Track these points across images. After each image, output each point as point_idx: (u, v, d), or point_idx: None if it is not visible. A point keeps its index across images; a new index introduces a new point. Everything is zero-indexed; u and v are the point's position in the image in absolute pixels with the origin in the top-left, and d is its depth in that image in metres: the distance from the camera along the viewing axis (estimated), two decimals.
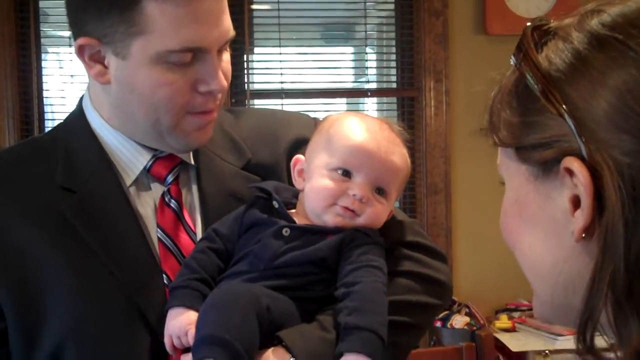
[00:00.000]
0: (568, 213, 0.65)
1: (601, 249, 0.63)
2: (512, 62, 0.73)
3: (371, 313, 1.05)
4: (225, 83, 1.14)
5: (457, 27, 3.42)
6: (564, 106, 0.64)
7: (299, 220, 1.16)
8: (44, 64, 3.26)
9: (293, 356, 1.04)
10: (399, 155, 1.19)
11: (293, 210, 1.19)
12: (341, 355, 1.03)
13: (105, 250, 1.13)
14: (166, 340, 1.09)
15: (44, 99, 3.27)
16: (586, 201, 0.63)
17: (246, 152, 1.28)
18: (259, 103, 3.46)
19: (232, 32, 1.13)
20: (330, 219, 1.14)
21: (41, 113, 3.24)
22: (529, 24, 0.72)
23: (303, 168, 1.21)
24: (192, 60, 1.09)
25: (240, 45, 3.35)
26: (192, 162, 1.24)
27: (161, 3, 1.05)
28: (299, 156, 1.23)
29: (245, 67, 3.37)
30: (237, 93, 3.37)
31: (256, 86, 3.46)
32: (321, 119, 1.37)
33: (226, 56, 1.15)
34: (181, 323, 1.07)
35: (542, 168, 0.68)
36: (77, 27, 1.11)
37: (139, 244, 1.16)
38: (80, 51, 1.12)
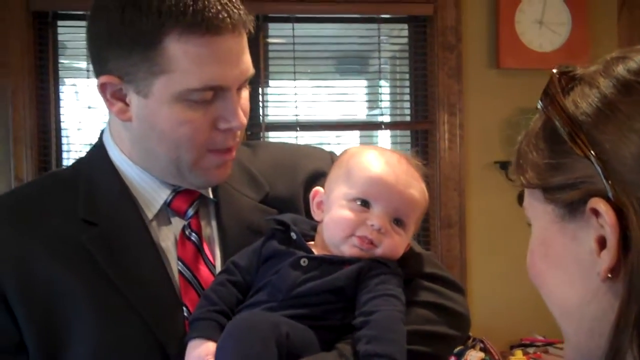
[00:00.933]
0: (594, 253, 0.66)
1: (627, 289, 0.63)
2: (539, 107, 0.75)
3: (390, 341, 1.07)
4: (244, 120, 1.15)
5: (471, 60, 3.44)
6: (590, 149, 0.66)
7: (317, 252, 1.18)
8: (61, 95, 3.29)
9: None
10: (417, 189, 1.21)
11: (311, 242, 1.21)
12: None
13: (127, 283, 1.14)
14: None
15: (62, 130, 3.30)
16: (612, 241, 0.64)
17: (264, 185, 1.29)
18: (273, 135, 3.48)
19: (252, 70, 1.15)
20: (347, 250, 1.16)
21: (59, 144, 3.27)
22: (554, 70, 0.75)
23: (322, 200, 1.23)
24: (212, 98, 1.11)
25: (256, 78, 3.38)
26: (211, 196, 1.25)
27: (184, 43, 1.07)
28: (318, 188, 1.25)
29: (261, 99, 3.39)
30: (252, 125, 3.39)
31: (271, 118, 3.48)
32: (338, 153, 1.39)
33: (245, 93, 1.17)
34: (200, 354, 1.08)
35: (569, 209, 0.69)
36: (100, 65, 1.14)
37: (161, 277, 1.17)
38: (102, 89, 1.14)
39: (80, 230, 1.16)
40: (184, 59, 1.07)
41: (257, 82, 3.38)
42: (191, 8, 1.06)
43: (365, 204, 1.17)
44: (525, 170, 0.74)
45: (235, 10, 1.09)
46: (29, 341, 1.12)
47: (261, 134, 3.39)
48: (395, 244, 1.18)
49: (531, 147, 0.74)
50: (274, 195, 1.29)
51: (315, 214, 1.24)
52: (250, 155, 1.28)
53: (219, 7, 1.07)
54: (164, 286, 1.17)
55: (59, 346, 1.12)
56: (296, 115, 3.46)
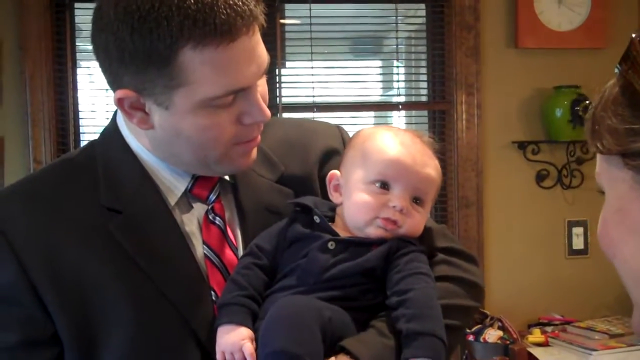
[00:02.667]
0: None
1: None
2: (616, 71, 0.73)
3: (430, 318, 1.09)
4: (269, 112, 1.14)
5: (489, 40, 3.41)
6: None
7: (340, 233, 1.19)
8: (79, 78, 3.31)
9: None
10: (433, 167, 1.23)
11: (331, 224, 1.21)
12: None
13: (155, 269, 1.14)
14: (219, 357, 1.10)
15: (79, 112, 3.32)
16: None
17: (279, 165, 1.29)
18: (290, 116, 3.48)
19: (267, 60, 1.13)
20: (372, 232, 1.18)
21: (76, 126, 3.29)
22: (634, 34, 0.72)
23: (339, 183, 1.24)
24: (234, 99, 1.10)
25: (272, 60, 3.35)
26: (228, 178, 1.25)
27: (199, 55, 1.03)
28: (335, 172, 1.26)
29: (277, 80, 3.39)
30: (269, 107, 3.35)
31: (287, 100, 3.48)
32: (343, 129, 1.41)
33: (262, 80, 1.16)
34: (234, 339, 1.09)
35: None
36: (114, 79, 1.10)
37: (188, 262, 1.17)
38: (120, 103, 1.11)
39: (105, 218, 1.15)
40: (201, 69, 1.04)
41: (274, 63, 3.37)
42: (202, 18, 1.02)
43: (384, 186, 1.19)
44: (602, 136, 0.72)
45: (245, 7, 1.05)
46: (63, 332, 1.12)
47: (278, 114, 3.39)
48: (417, 222, 1.20)
49: (609, 113, 0.72)
50: (288, 175, 1.29)
51: (333, 197, 1.25)
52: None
53: (229, 11, 1.03)
54: (192, 271, 1.17)
55: (94, 336, 1.11)
56: (312, 96, 3.45)
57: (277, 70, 3.38)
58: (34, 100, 3.18)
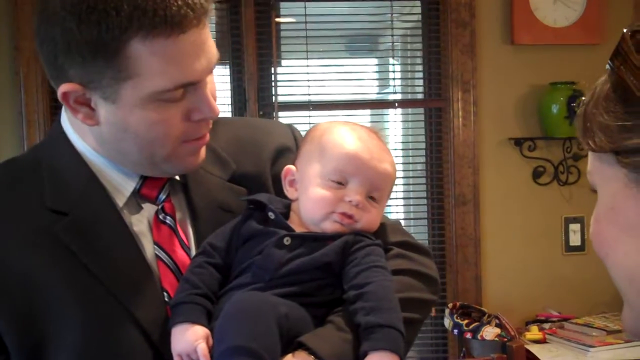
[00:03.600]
0: None
1: None
2: (608, 67, 0.72)
3: (389, 311, 1.08)
4: (218, 108, 1.13)
5: (485, 37, 3.41)
6: None
7: (295, 229, 1.18)
8: None
9: (318, 359, 1.05)
10: (390, 162, 1.23)
11: (286, 220, 1.21)
12: (366, 354, 1.05)
13: (104, 270, 1.11)
14: (176, 359, 1.08)
15: None
16: None
17: (230, 163, 1.28)
18: (286, 115, 3.48)
19: (217, 55, 1.11)
20: (329, 226, 1.17)
21: None
22: (625, 30, 0.71)
23: (295, 178, 1.24)
24: (183, 93, 1.08)
25: (268, 59, 3.37)
26: (178, 178, 1.23)
27: (148, 46, 1.01)
28: (290, 167, 1.25)
29: (273, 79, 3.39)
30: (264, 105, 3.39)
31: (283, 98, 3.48)
32: (295, 127, 1.40)
33: (210, 77, 1.13)
34: (189, 339, 1.07)
35: None
36: (58, 73, 1.06)
37: (137, 263, 1.15)
38: (64, 97, 1.07)
39: (50, 221, 1.12)
40: (150, 61, 1.02)
41: (270, 61, 3.37)
42: (152, 9, 1.00)
43: (341, 181, 1.18)
44: (594, 133, 0.71)
45: (196, 1, 1.03)
46: (10, 340, 1.09)
47: (273, 113, 3.39)
48: (373, 217, 1.20)
49: (600, 110, 0.71)
50: (240, 173, 1.27)
51: (289, 192, 1.24)
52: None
53: (180, 2, 1.01)
54: (142, 271, 1.14)
55: (42, 341, 1.09)
56: (308, 95, 3.45)
57: (272, 68, 3.38)
58: (29, 100, 3.17)
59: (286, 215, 1.22)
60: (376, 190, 1.20)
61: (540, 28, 3.35)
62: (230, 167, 1.27)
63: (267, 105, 3.39)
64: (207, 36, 1.09)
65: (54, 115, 3.23)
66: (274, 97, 3.38)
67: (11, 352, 1.10)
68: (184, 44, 1.04)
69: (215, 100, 1.13)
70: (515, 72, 3.41)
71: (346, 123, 1.28)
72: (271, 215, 1.19)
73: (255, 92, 3.34)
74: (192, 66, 1.06)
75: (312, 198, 1.19)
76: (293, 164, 1.26)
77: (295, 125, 1.43)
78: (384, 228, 1.27)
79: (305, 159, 1.23)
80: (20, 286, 1.09)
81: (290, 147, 1.33)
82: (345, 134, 1.22)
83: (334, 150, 1.20)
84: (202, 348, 1.06)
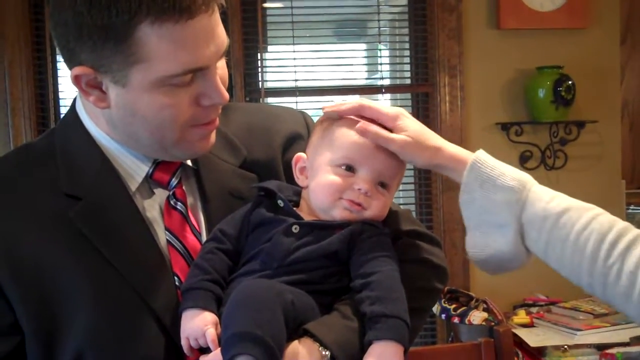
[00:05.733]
0: None
1: None
2: None
3: (395, 301, 1.08)
4: (227, 94, 1.13)
5: (471, 22, 3.40)
6: None
7: (304, 217, 1.19)
8: (59, 65, 3.27)
9: (323, 346, 1.06)
10: None
11: (296, 209, 1.21)
12: (370, 343, 1.05)
13: (117, 255, 1.13)
14: (183, 342, 1.09)
15: (60, 99, 3.29)
16: None
17: (242, 150, 1.29)
18: (273, 101, 3.47)
19: (227, 42, 1.12)
20: (338, 214, 1.17)
21: (57, 114, 3.26)
22: None
23: (305, 166, 1.24)
24: (192, 78, 1.08)
25: (254, 44, 3.36)
26: (190, 164, 1.24)
27: (157, 31, 1.02)
28: (301, 154, 1.26)
29: (259, 65, 3.37)
30: (251, 91, 3.37)
31: (270, 84, 3.46)
32: (307, 114, 1.41)
33: (222, 63, 1.15)
34: (198, 324, 1.08)
35: None
36: (71, 56, 1.08)
37: (150, 248, 1.16)
38: (76, 80, 1.09)
39: (65, 206, 1.13)
40: (159, 46, 1.03)
41: (256, 47, 3.35)
42: None
43: (350, 168, 1.18)
44: None
45: None
46: (24, 321, 1.11)
47: (260, 99, 3.38)
48: (382, 206, 1.20)
49: None
50: (252, 160, 1.28)
51: (299, 179, 1.25)
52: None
53: None
54: (154, 257, 1.16)
55: (55, 324, 1.10)
56: (295, 81, 3.44)
57: (259, 54, 3.36)
58: (14, 88, 3.15)
59: (297, 203, 1.23)
60: (385, 178, 1.20)
61: (527, 12, 3.35)
62: (242, 154, 1.28)
63: (254, 92, 3.38)
64: (217, 22, 1.09)
65: (39, 103, 3.21)
66: (260, 83, 3.37)
67: (26, 335, 1.12)
68: (193, 30, 1.04)
69: (225, 85, 1.14)
70: (502, 56, 3.41)
71: None
72: (280, 203, 1.19)
73: (241, 78, 3.33)
74: (201, 51, 1.06)
75: (321, 184, 1.19)
76: (304, 151, 1.26)
77: None
78: (395, 216, 1.27)
79: (316, 147, 1.23)
80: (35, 270, 1.11)
81: (302, 134, 1.33)
82: (354, 122, 1.21)
83: (343, 138, 1.20)
84: (211, 333, 1.07)
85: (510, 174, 1.19)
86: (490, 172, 1.19)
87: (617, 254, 1.09)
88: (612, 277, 1.09)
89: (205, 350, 1.09)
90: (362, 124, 1.18)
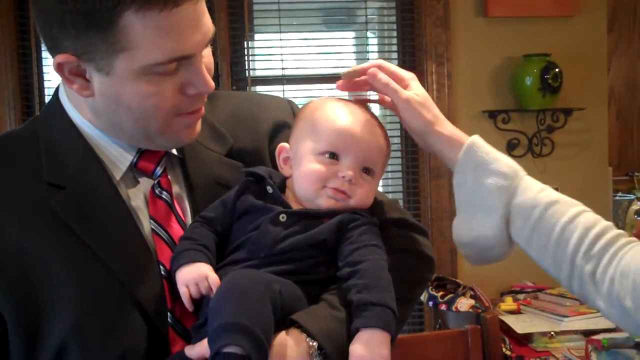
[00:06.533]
0: None
1: None
2: None
3: (381, 289, 1.08)
4: (212, 83, 1.13)
5: (458, 9, 3.40)
6: None
7: (292, 206, 1.18)
8: (44, 54, 3.24)
9: (310, 337, 1.06)
10: (382, 135, 1.23)
11: (282, 195, 1.21)
12: (357, 331, 1.05)
13: (101, 245, 1.11)
14: (183, 291, 1.09)
15: (45, 89, 3.26)
16: None
17: (228, 138, 1.28)
18: (260, 89, 3.46)
19: (212, 30, 1.11)
20: (323, 202, 1.17)
21: (42, 103, 3.23)
22: None
23: (289, 156, 1.24)
24: (177, 67, 1.07)
25: (241, 32, 3.34)
26: (175, 153, 1.24)
27: (142, 19, 1.01)
28: (284, 144, 1.26)
29: (246, 53, 3.36)
30: (238, 80, 3.36)
31: (257, 72, 3.45)
32: (293, 102, 1.41)
33: (207, 51, 1.14)
34: (197, 271, 1.09)
35: None
36: (54, 44, 1.07)
37: (134, 237, 1.15)
38: (59, 68, 1.07)
39: (48, 194, 1.12)
40: (144, 34, 1.02)
41: (242, 35, 3.34)
42: None
43: (333, 156, 1.18)
44: None
45: None
46: (7, 312, 1.10)
47: (247, 88, 3.36)
48: (367, 192, 1.20)
49: None
50: (238, 148, 1.28)
51: (283, 169, 1.25)
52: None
53: None
54: (138, 245, 1.15)
55: (38, 314, 1.09)
56: (282, 69, 3.42)
57: (245, 42, 3.34)
58: None
59: (282, 191, 1.22)
60: (369, 164, 1.20)
61: (514, 0, 3.35)
62: (228, 142, 1.28)
63: (241, 80, 3.36)
64: (203, 10, 1.08)
65: (24, 93, 3.18)
66: (247, 72, 3.36)
67: (8, 325, 1.10)
68: (178, 18, 1.03)
69: (211, 74, 1.14)
70: (489, 44, 3.40)
71: (337, 99, 1.27)
72: (269, 189, 1.19)
73: (228, 66, 3.31)
74: (186, 40, 1.05)
75: (304, 173, 1.19)
76: (288, 141, 1.26)
77: None
78: (381, 205, 1.27)
79: (298, 136, 1.23)
80: (18, 260, 1.09)
81: (288, 123, 1.32)
82: (336, 110, 1.22)
83: (325, 125, 1.20)
84: (213, 278, 1.08)
85: (505, 160, 1.21)
86: (485, 157, 1.21)
87: (597, 250, 1.12)
88: (587, 270, 1.12)
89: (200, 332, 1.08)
90: (374, 69, 1.20)
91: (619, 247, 1.12)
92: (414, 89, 1.23)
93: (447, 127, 1.24)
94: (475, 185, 1.20)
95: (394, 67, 1.25)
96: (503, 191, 1.18)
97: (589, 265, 1.12)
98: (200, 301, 1.11)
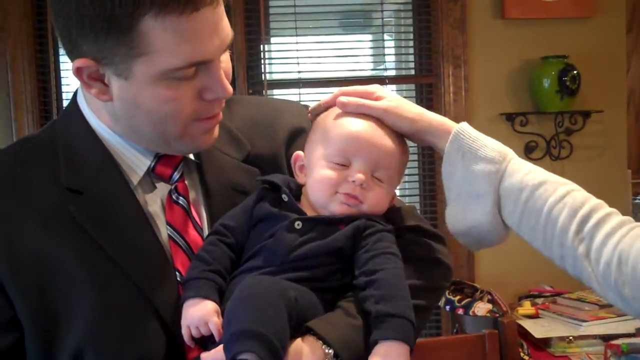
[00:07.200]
0: None
1: None
2: None
3: (399, 299, 1.07)
4: (231, 88, 1.12)
5: (475, 11, 3.38)
6: None
7: (307, 213, 1.18)
8: (62, 58, 3.26)
9: (326, 344, 1.05)
10: (394, 140, 1.22)
11: (298, 203, 1.21)
12: (376, 343, 1.04)
13: (118, 251, 1.12)
14: (184, 331, 1.09)
15: (62, 93, 3.28)
16: None
17: (245, 144, 1.28)
18: (276, 93, 3.45)
19: (231, 35, 1.11)
20: (335, 208, 1.17)
21: (60, 107, 3.25)
22: None
23: (303, 164, 1.24)
24: (195, 72, 1.07)
25: (257, 36, 3.34)
26: (193, 158, 1.24)
27: (161, 24, 1.01)
28: (299, 152, 1.26)
29: (262, 57, 3.36)
30: (254, 84, 3.36)
31: (274, 76, 3.45)
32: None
33: (225, 56, 1.14)
34: (200, 313, 1.07)
35: None
36: (73, 48, 1.07)
37: (151, 243, 1.15)
38: (78, 72, 1.08)
39: (66, 200, 1.13)
40: (162, 39, 1.02)
41: (259, 39, 3.34)
42: None
43: (344, 161, 1.18)
44: None
45: None
46: (24, 317, 1.10)
47: (264, 91, 3.37)
48: (379, 197, 1.19)
49: None
50: (255, 154, 1.28)
51: (299, 177, 1.25)
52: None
53: None
54: (155, 252, 1.15)
55: (55, 319, 1.10)
56: (299, 72, 3.42)
57: (262, 46, 3.35)
58: (16, 82, 3.14)
59: (298, 199, 1.22)
60: (381, 168, 1.19)
61: (531, 2, 3.33)
62: (245, 148, 1.28)
63: (257, 84, 3.37)
64: (221, 15, 1.08)
65: (41, 97, 3.20)
66: (263, 75, 3.36)
67: (26, 330, 1.11)
68: (197, 22, 1.03)
69: (229, 79, 1.13)
70: (506, 46, 3.39)
71: None
72: (284, 197, 1.19)
73: (244, 70, 3.32)
74: (205, 45, 1.05)
75: (316, 180, 1.19)
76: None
77: None
78: (399, 212, 1.27)
79: (312, 144, 1.24)
80: (35, 265, 1.10)
81: (305, 129, 1.32)
82: (347, 116, 1.21)
83: (335, 131, 1.20)
84: (215, 322, 1.06)
85: (492, 145, 1.21)
86: (472, 143, 1.21)
87: (587, 230, 1.11)
88: (580, 251, 1.11)
89: (206, 340, 1.08)
90: (341, 97, 1.20)
91: (614, 228, 1.10)
92: (386, 96, 1.23)
93: (431, 117, 1.24)
94: (465, 174, 1.19)
95: (355, 87, 1.25)
96: (492, 176, 1.17)
97: (582, 247, 1.11)
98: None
